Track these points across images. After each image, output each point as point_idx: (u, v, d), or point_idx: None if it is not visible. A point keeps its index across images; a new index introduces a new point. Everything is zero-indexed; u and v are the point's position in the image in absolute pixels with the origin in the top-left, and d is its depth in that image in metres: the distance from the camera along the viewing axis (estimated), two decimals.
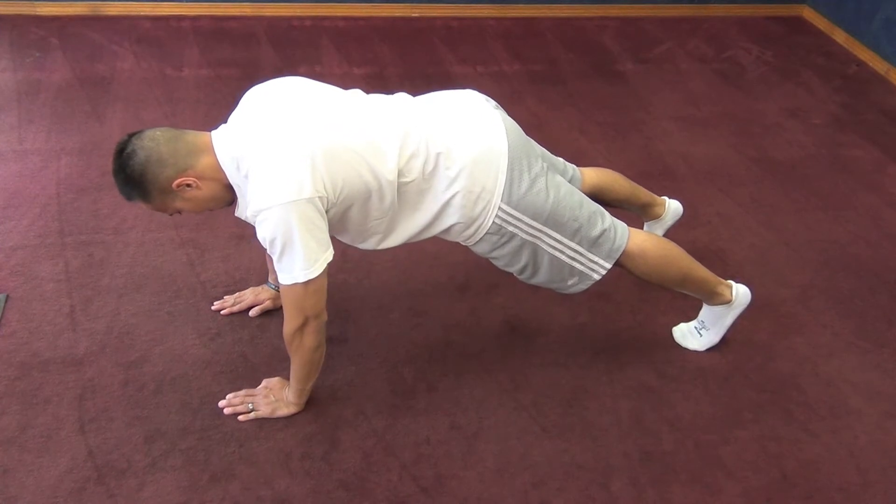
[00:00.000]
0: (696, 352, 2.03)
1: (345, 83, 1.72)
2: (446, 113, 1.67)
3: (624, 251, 1.76)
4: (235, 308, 2.04)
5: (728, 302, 1.94)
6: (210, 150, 1.56)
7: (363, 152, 1.55)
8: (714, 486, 1.71)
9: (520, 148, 1.66)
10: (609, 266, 1.77)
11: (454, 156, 1.60)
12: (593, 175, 2.03)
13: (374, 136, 1.57)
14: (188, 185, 1.55)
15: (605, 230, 1.74)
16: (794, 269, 2.36)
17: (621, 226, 1.78)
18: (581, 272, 1.76)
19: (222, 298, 2.08)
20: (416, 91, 1.78)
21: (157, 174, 1.52)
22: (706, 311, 2.01)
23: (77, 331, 1.97)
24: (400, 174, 1.58)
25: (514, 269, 1.77)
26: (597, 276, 1.78)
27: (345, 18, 3.80)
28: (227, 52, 3.40)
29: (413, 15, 3.89)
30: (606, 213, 1.78)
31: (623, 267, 1.80)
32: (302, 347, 1.65)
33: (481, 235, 1.69)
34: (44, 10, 3.59)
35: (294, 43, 3.53)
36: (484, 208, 1.64)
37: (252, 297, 2.06)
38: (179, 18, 3.67)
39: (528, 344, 2.04)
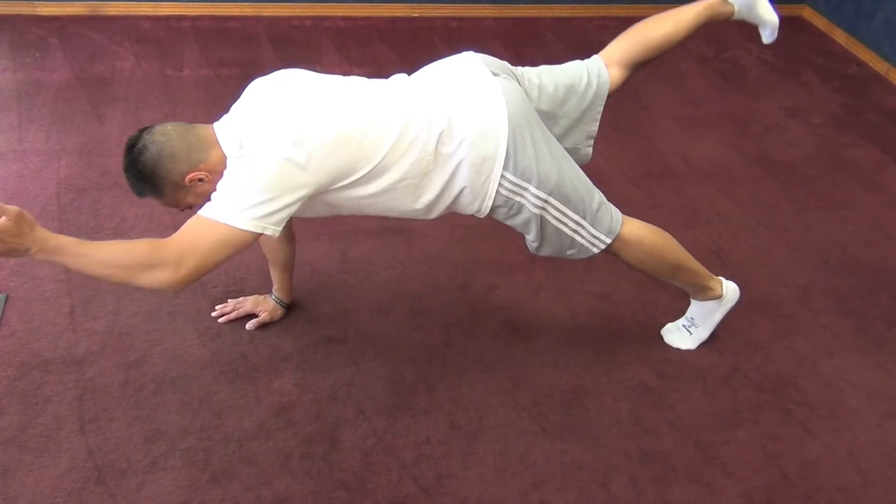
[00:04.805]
0: (695, 352, 2.03)
1: None
2: (442, 101, 1.61)
3: (620, 236, 1.75)
4: (233, 315, 2.02)
5: (718, 297, 1.94)
6: (217, 142, 1.55)
7: (363, 142, 1.53)
8: (714, 486, 1.71)
9: (520, 117, 1.62)
10: (609, 241, 1.74)
11: (450, 144, 1.58)
12: (617, 53, 2.05)
13: (375, 131, 1.55)
14: (200, 180, 1.54)
15: (601, 203, 1.73)
16: (794, 269, 2.36)
17: (613, 207, 1.78)
18: (581, 245, 1.75)
19: (224, 301, 2.08)
20: None
21: (169, 169, 1.51)
22: (695, 308, 2.00)
23: (77, 331, 1.97)
24: (395, 168, 1.57)
25: (527, 236, 1.77)
26: (595, 251, 1.76)
27: (345, 18, 3.80)
28: (227, 52, 3.40)
29: (413, 15, 3.89)
30: (599, 192, 1.77)
31: (618, 255, 1.80)
32: (134, 276, 1.40)
33: (490, 207, 1.67)
34: (44, 10, 3.59)
35: (294, 43, 3.52)
36: (486, 178, 1.61)
37: (251, 305, 2.03)
38: (179, 18, 3.67)
39: (528, 344, 2.04)
